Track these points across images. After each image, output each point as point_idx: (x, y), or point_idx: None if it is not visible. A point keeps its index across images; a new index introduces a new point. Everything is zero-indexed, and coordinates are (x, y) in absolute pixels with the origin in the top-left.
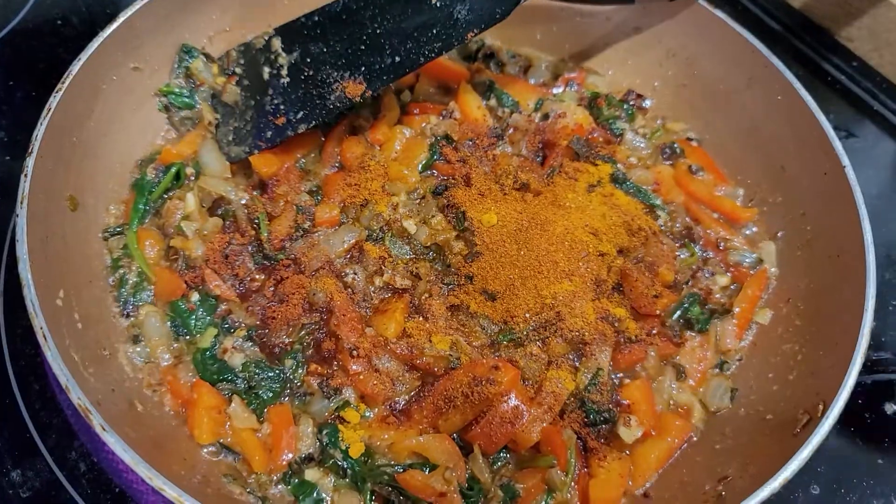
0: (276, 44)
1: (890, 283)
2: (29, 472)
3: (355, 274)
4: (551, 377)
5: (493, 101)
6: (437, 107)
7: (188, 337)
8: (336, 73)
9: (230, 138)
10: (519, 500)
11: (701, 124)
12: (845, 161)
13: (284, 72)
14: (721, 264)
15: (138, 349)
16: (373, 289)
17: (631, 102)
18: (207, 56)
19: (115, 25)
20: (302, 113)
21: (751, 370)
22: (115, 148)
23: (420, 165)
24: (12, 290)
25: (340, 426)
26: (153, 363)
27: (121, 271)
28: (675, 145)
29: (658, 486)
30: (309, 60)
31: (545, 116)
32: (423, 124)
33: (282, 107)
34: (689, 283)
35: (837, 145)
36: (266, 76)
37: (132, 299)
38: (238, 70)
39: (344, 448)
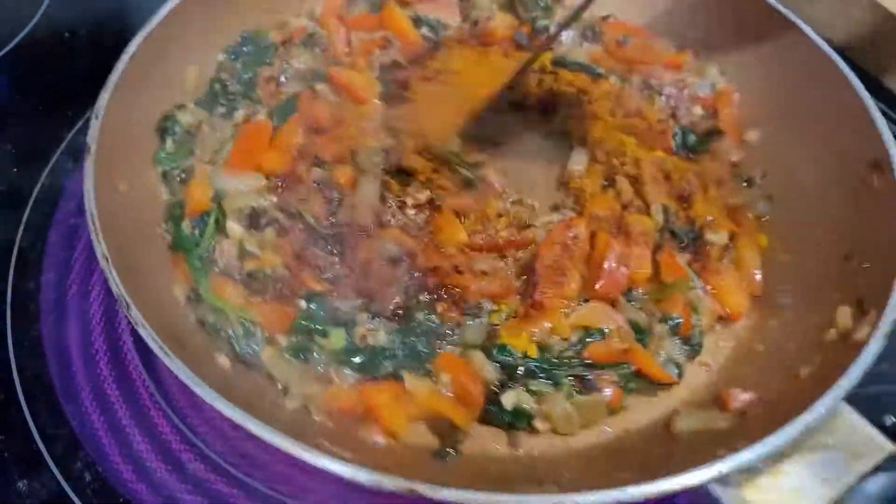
0: None
1: None
2: (34, 482)
3: (393, 216)
4: (631, 221)
5: (424, 30)
6: (376, 40)
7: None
8: None
9: None
10: (681, 325)
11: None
12: None
13: None
14: (687, 100)
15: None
16: (414, 215)
17: None
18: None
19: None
20: None
21: (777, 181)
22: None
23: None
24: (19, 299)
25: (504, 340)
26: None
27: (224, 331)
28: (595, 27)
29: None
30: None
31: (475, 24)
32: (370, 57)
33: None
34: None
35: None
36: None
37: (249, 349)
38: None
39: (521, 355)
